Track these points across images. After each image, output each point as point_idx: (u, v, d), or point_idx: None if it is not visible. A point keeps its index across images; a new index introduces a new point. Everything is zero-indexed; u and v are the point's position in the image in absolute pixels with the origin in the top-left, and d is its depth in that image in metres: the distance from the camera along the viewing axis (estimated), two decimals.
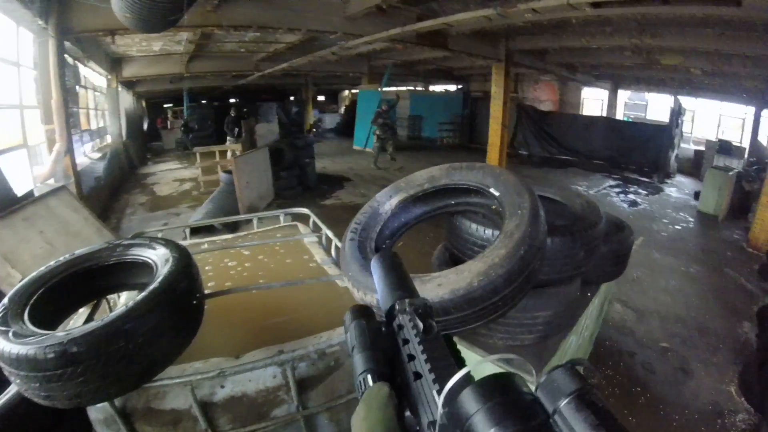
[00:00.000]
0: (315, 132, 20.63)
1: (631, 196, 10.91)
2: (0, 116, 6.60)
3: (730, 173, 9.14)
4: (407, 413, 0.57)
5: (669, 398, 3.78)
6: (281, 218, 4.02)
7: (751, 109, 12.92)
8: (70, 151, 6.95)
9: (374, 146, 13.24)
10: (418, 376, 0.57)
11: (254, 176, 8.84)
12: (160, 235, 3.19)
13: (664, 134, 12.73)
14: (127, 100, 15.65)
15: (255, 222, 4.02)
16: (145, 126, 20.36)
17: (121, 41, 10.07)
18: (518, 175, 2.33)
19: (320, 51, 11.22)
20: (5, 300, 1.73)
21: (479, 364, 0.53)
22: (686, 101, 13.71)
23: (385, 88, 16.31)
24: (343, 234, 2.42)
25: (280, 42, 11.65)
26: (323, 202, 9.84)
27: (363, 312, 0.74)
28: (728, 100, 13.65)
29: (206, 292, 2.11)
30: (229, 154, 11.21)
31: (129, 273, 2.11)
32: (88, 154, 11.01)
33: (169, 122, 21.23)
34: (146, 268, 1.97)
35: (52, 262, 1.99)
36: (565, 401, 0.42)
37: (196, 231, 5.24)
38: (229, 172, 8.62)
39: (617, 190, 11.60)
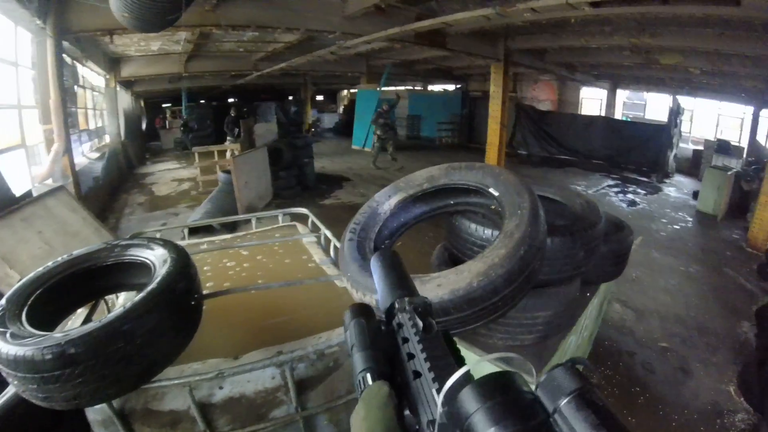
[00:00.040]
0: (314, 132, 20.63)
1: (630, 196, 10.92)
2: None
3: (729, 173, 9.16)
4: (406, 412, 0.57)
5: (668, 398, 3.78)
6: (280, 218, 4.02)
7: (749, 109, 12.93)
8: (68, 151, 6.93)
9: (374, 146, 13.20)
10: (417, 374, 0.56)
11: (253, 176, 8.83)
12: (158, 235, 3.19)
13: (662, 134, 12.73)
14: (125, 99, 15.63)
15: (254, 222, 4.02)
16: (144, 126, 20.33)
17: (120, 41, 10.04)
18: (518, 175, 2.32)
19: (319, 51, 11.21)
20: (3, 301, 1.73)
21: (479, 362, 0.53)
22: (685, 101, 13.72)
23: (384, 88, 16.31)
24: (341, 234, 2.41)
25: (279, 41, 11.63)
26: (322, 202, 9.83)
27: (362, 311, 0.73)
28: (727, 100, 13.66)
29: (205, 292, 2.10)
30: (228, 154, 11.19)
31: (127, 273, 2.11)
32: (86, 154, 10.99)
33: (167, 122, 21.18)
34: (144, 268, 1.96)
35: (50, 263, 1.99)
36: (565, 400, 0.42)
37: (194, 231, 5.24)
38: (227, 171, 8.60)
39: (616, 189, 11.60)
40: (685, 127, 14.50)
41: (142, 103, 21.03)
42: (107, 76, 13.01)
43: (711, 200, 9.25)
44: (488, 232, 2.39)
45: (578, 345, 3.18)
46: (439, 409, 0.48)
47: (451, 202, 2.60)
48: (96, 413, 1.79)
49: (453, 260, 2.69)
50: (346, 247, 2.25)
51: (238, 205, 8.23)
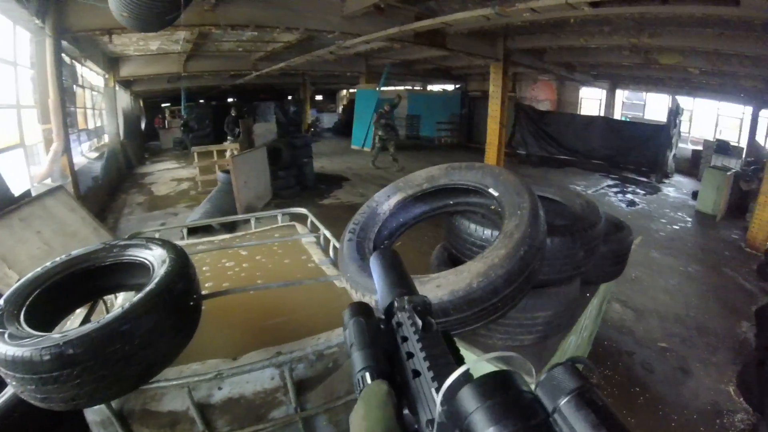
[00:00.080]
0: (313, 131, 20.62)
1: (630, 196, 10.92)
2: None
3: (728, 173, 9.17)
4: (405, 411, 0.57)
5: (668, 398, 3.78)
6: (279, 218, 4.01)
7: (749, 109, 12.95)
8: (67, 150, 6.92)
9: (375, 146, 13.15)
10: (416, 373, 0.56)
11: (252, 176, 8.83)
12: (157, 235, 3.18)
13: (662, 134, 12.72)
14: (124, 99, 15.60)
15: (253, 222, 4.01)
16: (143, 125, 20.30)
17: (119, 40, 10.02)
18: (518, 175, 2.32)
19: (318, 50, 11.19)
20: (1, 301, 1.72)
21: (478, 362, 0.53)
22: (684, 101, 13.73)
23: (383, 88, 16.30)
24: (341, 234, 2.41)
25: (278, 41, 11.62)
26: (321, 202, 9.83)
27: (361, 309, 0.73)
28: (726, 100, 13.68)
29: (203, 292, 2.10)
30: (228, 153, 11.18)
31: (126, 274, 2.10)
32: (85, 154, 10.96)
33: (166, 122, 21.15)
34: (143, 268, 1.96)
35: (48, 263, 1.98)
36: (565, 400, 0.42)
37: (193, 231, 5.23)
38: (227, 171, 8.59)
39: (615, 189, 11.61)
40: (684, 127, 14.51)
41: (141, 103, 20.99)
42: (106, 76, 12.99)
43: (710, 200, 9.26)
44: (488, 232, 2.39)
45: (578, 345, 3.17)
46: (438, 408, 0.48)
47: (451, 202, 2.60)
48: (95, 414, 1.78)
49: (452, 261, 2.68)
50: (345, 247, 2.24)
51: (237, 205, 8.22)
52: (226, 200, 8.25)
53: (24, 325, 1.63)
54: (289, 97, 24.11)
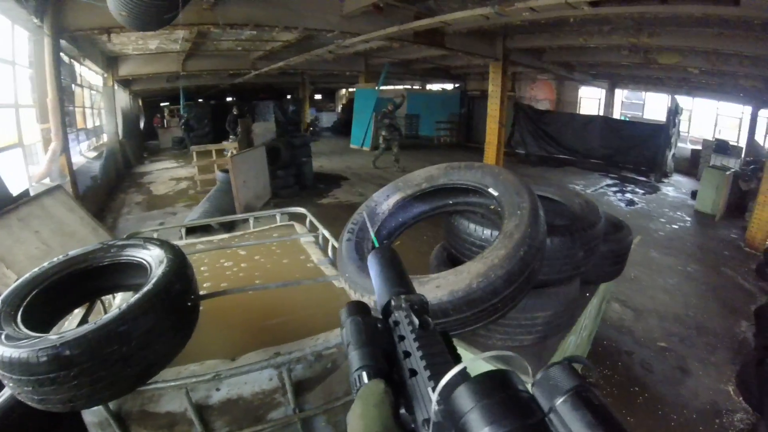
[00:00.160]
0: (312, 131, 20.60)
1: (629, 195, 10.93)
2: None
3: (727, 172, 9.18)
4: (402, 411, 0.56)
5: (667, 397, 3.78)
6: (278, 218, 4.00)
7: (748, 109, 12.97)
8: (65, 150, 6.91)
9: (380, 147, 13.08)
10: (413, 372, 0.56)
11: (251, 175, 8.82)
12: (155, 235, 3.18)
13: (661, 133, 12.74)
14: (123, 98, 15.58)
15: (251, 221, 4.00)
16: (142, 125, 20.28)
17: (117, 39, 10.00)
18: (517, 175, 2.31)
19: (317, 49, 11.18)
20: None
21: (475, 361, 0.52)
22: (683, 100, 13.74)
23: (382, 87, 16.29)
24: (340, 233, 2.40)
25: (277, 40, 11.61)
26: (320, 201, 9.82)
27: (359, 308, 0.73)
28: (725, 100, 13.70)
29: (201, 293, 2.09)
30: (226, 153, 11.18)
31: (124, 274, 2.10)
32: (84, 153, 10.95)
33: (165, 121, 21.14)
34: (141, 269, 1.95)
35: (45, 264, 1.98)
36: (561, 399, 0.41)
37: (192, 230, 5.23)
38: (225, 171, 8.59)
39: (614, 189, 11.62)
40: (683, 127, 14.53)
41: (140, 102, 20.98)
42: (105, 75, 12.98)
43: (709, 200, 9.27)
44: (487, 232, 2.38)
45: (577, 345, 3.17)
46: (434, 407, 0.47)
47: (450, 202, 2.59)
48: (92, 415, 1.78)
49: (452, 261, 2.67)
50: (344, 247, 2.24)
51: (236, 204, 8.21)
52: (225, 200, 8.25)
53: (21, 326, 1.62)
54: (288, 97, 24.07)
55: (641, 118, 16.55)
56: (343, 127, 20.96)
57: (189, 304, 1.84)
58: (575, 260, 2.44)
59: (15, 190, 5.28)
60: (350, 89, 25.17)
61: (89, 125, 12.80)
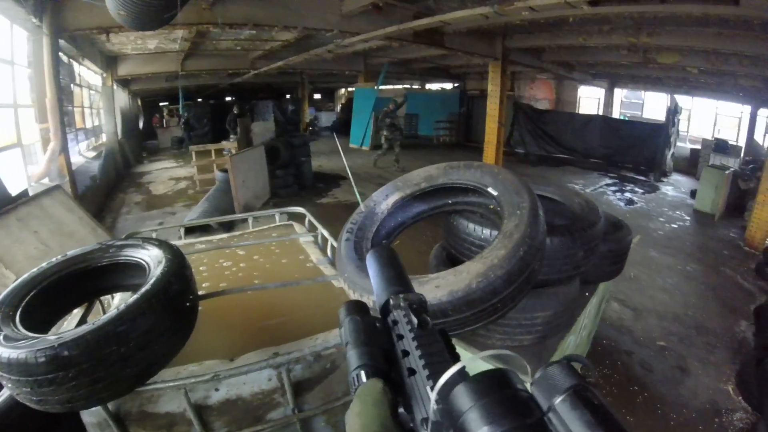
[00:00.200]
0: (311, 130, 20.58)
1: (628, 195, 10.93)
2: None
3: (727, 172, 9.18)
4: (401, 410, 0.56)
5: (667, 397, 3.79)
6: (277, 217, 4.00)
7: (747, 108, 12.98)
8: (64, 150, 6.90)
9: (382, 147, 13.02)
10: (412, 372, 0.56)
11: (250, 175, 8.82)
12: (154, 235, 3.17)
13: (660, 133, 12.74)
14: (122, 98, 15.56)
15: (250, 221, 4.00)
16: (141, 124, 20.25)
17: (116, 39, 10.00)
18: (517, 174, 2.31)
19: (316, 49, 11.17)
20: None
21: (473, 360, 0.52)
22: (682, 100, 13.75)
23: (381, 86, 16.28)
24: (339, 233, 2.39)
25: (276, 40, 11.60)
26: (319, 201, 9.82)
27: (357, 307, 0.73)
28: (725, 99, 13.71)
29: (200, 293, 2.09)
30: (225, 152, 11.17)
31: (122, 274, 2.10)
32: (83, 153, 10.95)
33: (164, 120, 21.13)
34: (139, 269, 1.95)
35: (44, 264, 1.98)
36: (560, 398, 0.41)
37: (191, 230, 5.22)
38: (225, 170, 8.59)
39: (614, 188, 11.62)
40: (682, 126, 14.55)
41: (139, 102, 20.94)
42: (104, 75, 12.96)
43: (708, 199, 9.27)
44: (487, 232, 2.37)
45: (577, 344, 3.17)
46: (433, 406, 0.47)
47: (450, 202, 2.58)
48: (91, 416, 1.77)
49: (451, 260, 2.67)
50: (343, 247, 2.23)
51: (235, 204, 8.21)
52: (224, 199, 8.25)
53: (20, 327, 1.62)
54: (288, 96, 24.10)
55: (640, 117, 16.57)
56: (342, 127, 20.94)
57: (188, 304, 1.84)
58: (575, 260, 2.44)
59: (14, 190, 5.27)
60: (349, 89, 25.16)
61: (88, 125, 12.79)
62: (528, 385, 0.45)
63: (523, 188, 2.14)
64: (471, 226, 2.44)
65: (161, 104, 21.81)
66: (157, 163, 15.52)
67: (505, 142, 13.41)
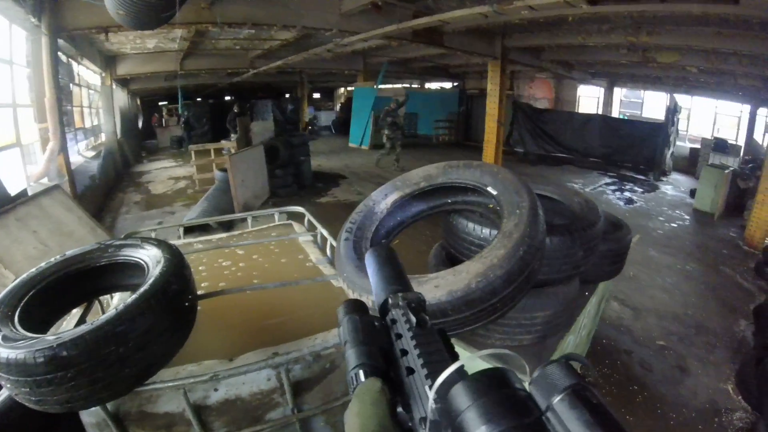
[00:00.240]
0: (310, 129, 20.57)
1: (627, 194, 10.94)
2: None
3: (726, 171, 9.19)
4: (399, 409, 0.56)
5: (667, 396, 3.79)
6: (276, 217, 4.00)
7: (746, 108, 12.98)
8: (63, 149, 6.89)
9: (385, 146, 12.96)
10: (410, 371, 0.56)
11: (249, 174, 8.81)
12: (153, 234, 3.17)
13: (659, 132, 12.74)
14: (121, 97, 15.54)
15: (249, 221, 3.99)
16: (140, 124, 20.23)
17: (115, 39, 10.00)
18: (516, 174, 2.31)
19: (315, 48, 11.16)
20: None
21: (472, 359, 0.52)
22: (682, 99, 13.74)
23: (381, 86, 16.27)
24: (338, 233, 2.39)
25: (275, 39, 11.58)
26: (319, 200, 9.82)
27: (356, 306, 0.72)
28: (724, 99, 13.70)
29: (199, 292, 2.08)
30: (225, 151, 11.17)
31: (121, 274, 2.09)
32: (82, 153, 10.93)
33: (164, 120, 21.11)
34: (138, 269, 1.95)
35: (43, 264, 1.97)
36: (558, 398, 0.41)
37: (190, 230, 5.22)
38: (224, 170, 8.58)
39: (613, 187, 11.63)
40: (682, 126, 14.55)
41: (138, 101, 20.91)
42: (103, 74, 12.94)
43: (708, 198, 9.28)
44: (486, 231, 2.37)
45: (576, 344, 3.17)
46: (431, 405, 0.47)
47: (449, 201, 2.58)
48: (90, 416, 1.77)
49: (451, 260, 2.67)
50: (342, 246, 2.23)
51: (235, 203, 8.21)
52: (224, 199, 8.24)
53: (18, 327, 1.62)
54: (287, 95, 24.08)
55: (640, 116, 16.55)
56: (341, 126, 20.95)
57: (187, 304, 1.83)
58: (574, 259, 2.44)
59: (13, 190, 5.26)
60: (349, 88, 25.11)
61: (87, 124, 12.77)
62: (526, 385, 0.45)
63: (523, 187, 2.14)
64: (470, 225, 2.44)
65: (160, 104, 21.79)
66: (156, 162, 15.52)
67: (505, 141, 13.40)
